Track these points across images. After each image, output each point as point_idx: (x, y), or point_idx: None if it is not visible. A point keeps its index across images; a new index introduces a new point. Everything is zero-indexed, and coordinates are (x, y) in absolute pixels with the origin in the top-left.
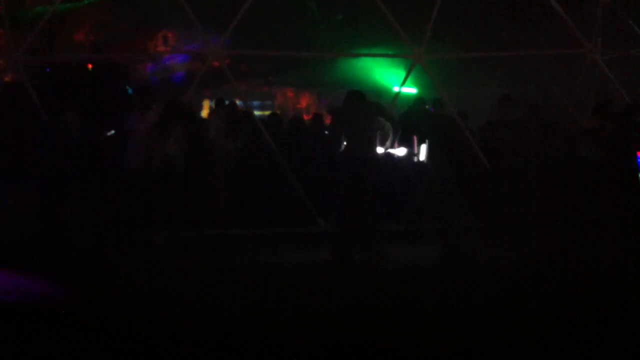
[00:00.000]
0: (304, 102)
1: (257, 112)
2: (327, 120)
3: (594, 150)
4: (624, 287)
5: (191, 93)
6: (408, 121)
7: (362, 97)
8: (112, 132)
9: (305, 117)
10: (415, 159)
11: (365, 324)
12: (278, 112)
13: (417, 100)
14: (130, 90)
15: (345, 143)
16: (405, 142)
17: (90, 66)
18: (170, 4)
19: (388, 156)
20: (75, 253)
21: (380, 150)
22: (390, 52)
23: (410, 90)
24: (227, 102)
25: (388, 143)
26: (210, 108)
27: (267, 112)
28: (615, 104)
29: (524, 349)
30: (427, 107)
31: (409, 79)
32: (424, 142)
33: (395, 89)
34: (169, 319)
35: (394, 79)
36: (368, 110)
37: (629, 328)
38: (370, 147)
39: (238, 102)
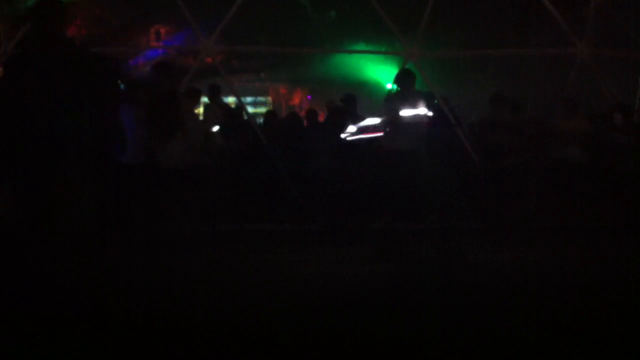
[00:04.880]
0: (296, 99)
1: (250, 109)
2: (321, 117)
3: (572, 151)
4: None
5: (183, 88)
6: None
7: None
8: None
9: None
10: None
11: (358, 322)
12: (271, 109)
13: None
14: (122, 85)
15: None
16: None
17: None
18: None
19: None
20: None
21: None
22: (383, 49)
23: None
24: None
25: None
26: (204, 104)
27: (260, 110)
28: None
29: (518, 351)
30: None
31: None
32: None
33: (389, 86)
34: (166, 314)
35: (387, 76)
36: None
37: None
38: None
39: (232, 98)
